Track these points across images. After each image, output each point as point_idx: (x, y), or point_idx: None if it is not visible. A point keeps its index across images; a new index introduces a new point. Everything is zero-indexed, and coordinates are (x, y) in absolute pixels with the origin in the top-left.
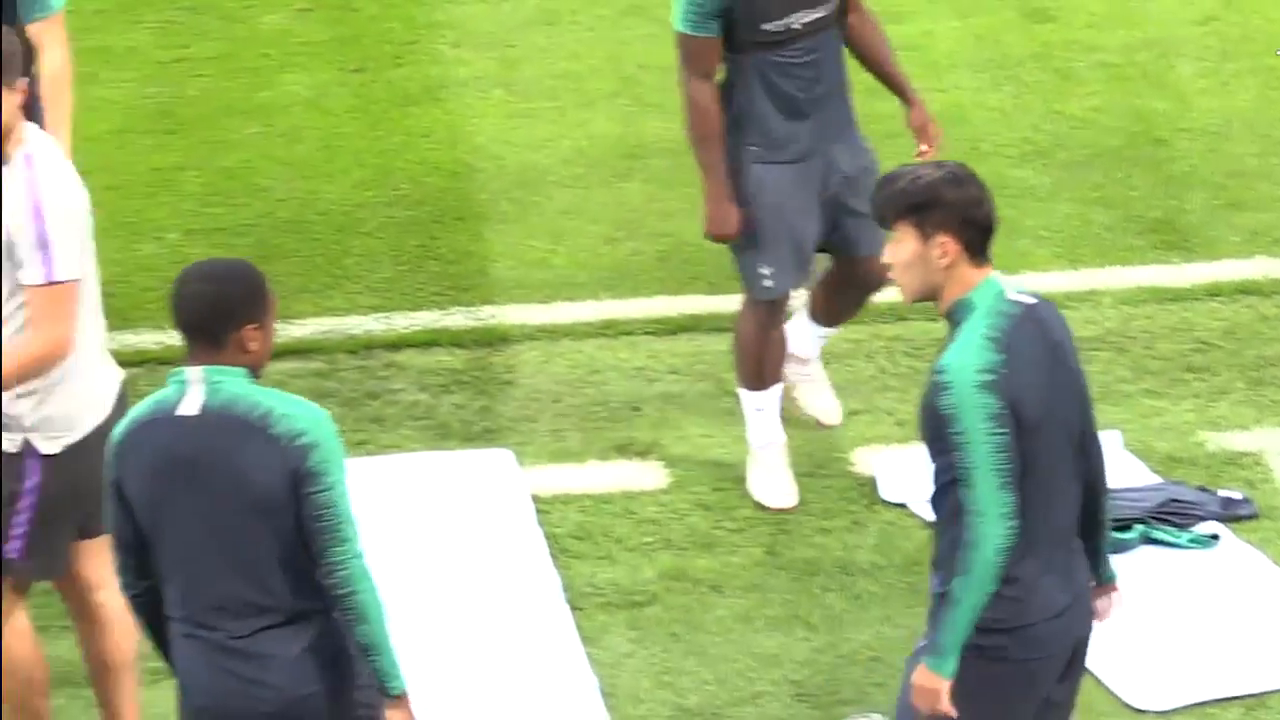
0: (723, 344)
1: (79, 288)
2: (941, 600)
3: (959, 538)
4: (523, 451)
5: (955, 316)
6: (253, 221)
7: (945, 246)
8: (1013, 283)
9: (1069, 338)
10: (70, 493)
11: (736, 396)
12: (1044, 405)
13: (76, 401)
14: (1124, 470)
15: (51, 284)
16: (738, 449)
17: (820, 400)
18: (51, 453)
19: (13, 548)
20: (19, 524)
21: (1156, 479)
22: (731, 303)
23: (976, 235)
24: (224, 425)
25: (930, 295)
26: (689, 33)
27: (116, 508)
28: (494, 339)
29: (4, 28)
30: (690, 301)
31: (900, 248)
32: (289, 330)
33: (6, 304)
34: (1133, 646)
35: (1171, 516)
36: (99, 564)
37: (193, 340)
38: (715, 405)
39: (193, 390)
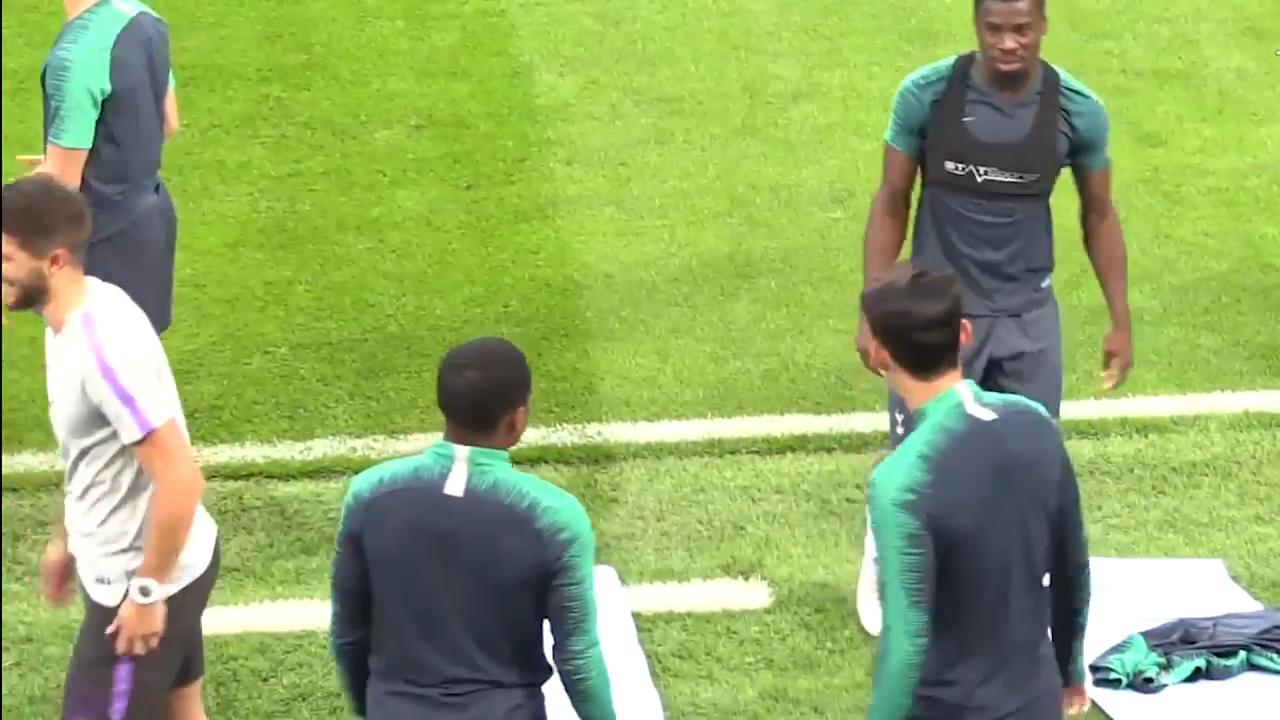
0: (828, 464)
1: (176, 423)
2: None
3: None
4: (626, 569)
5: (914, 425)
6: (362, 336)
7: (882, 356)
8: (982, 394)
9: (1046, 451)
10: (169, 645)
11: (841, 517)
12: (982, 522)
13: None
14: (1227, 597)
15: (150, 433)
16: (841, 569)
17: None
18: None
19: (117, 709)
20: (121, 679)
21: (1259, 606)
22: (836, 423)
23: (911, 352)
24: (489, 510)
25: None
26: (888, 140)
27: (349, 558)
28: (600, 456)
29: (51, 189)
30: (796, 421)
31: (862, 337)
32: (396, 445)
33: (81, 474)
34: None
35: (1275, 644)
36: (198, 709)
37: (461, 422)
38: (819, 525)
39: (458, 469)
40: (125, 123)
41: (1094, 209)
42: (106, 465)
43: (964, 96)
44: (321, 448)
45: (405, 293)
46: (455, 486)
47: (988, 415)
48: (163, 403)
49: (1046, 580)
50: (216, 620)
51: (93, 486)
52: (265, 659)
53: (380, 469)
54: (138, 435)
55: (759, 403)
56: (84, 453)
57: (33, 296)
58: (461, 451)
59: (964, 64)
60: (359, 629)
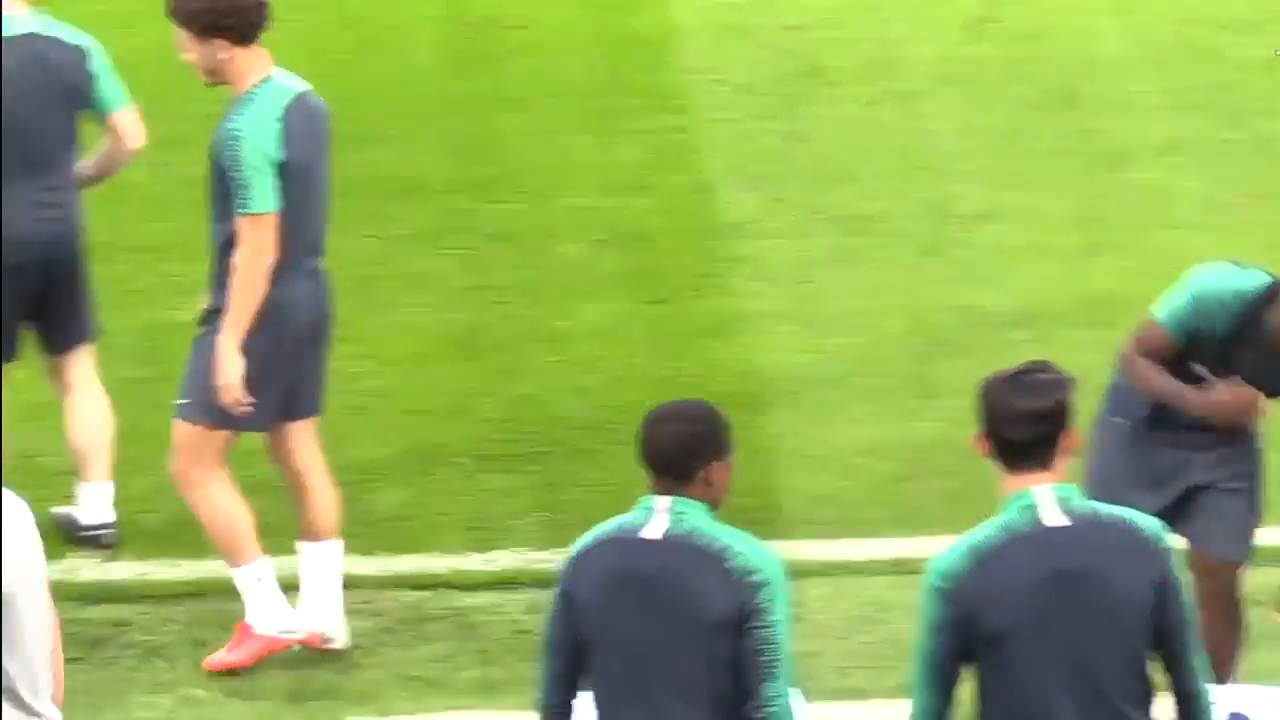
0: None
1: None
2: None
3: None
4: (807, 688)
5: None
6: (546, 449)
7: (978, 442)
8: (1071, 499)
9: (1128, 569)
10: None
11: None
12: (1020, 624)
13: None
14: None
15: None
16: None
17: None
18: None
19: None
20: None
21: None
22: None
23: (1001, 446)
24: (683, 552)
25: None
26: (1161, 320)
27: (561, 613)
28: None
29: None
30: None
31: None
32: None
33: None
34: None
35: None
36: None
37: (661, 475)
38: None
39: (658, 517)
40: (289, 196)
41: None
42: None
43: (1251, 333)
44: (504, 559)
45: (589, 407)
46: (654, 532)
47: (1060, 522)
48: None
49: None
50: None
51: None
52: None
53: (594, 529)
54: None
55: (942, 522)
56: None
57: None
58: (662, 502)
59: (1265, 299)
60: (565, 690)
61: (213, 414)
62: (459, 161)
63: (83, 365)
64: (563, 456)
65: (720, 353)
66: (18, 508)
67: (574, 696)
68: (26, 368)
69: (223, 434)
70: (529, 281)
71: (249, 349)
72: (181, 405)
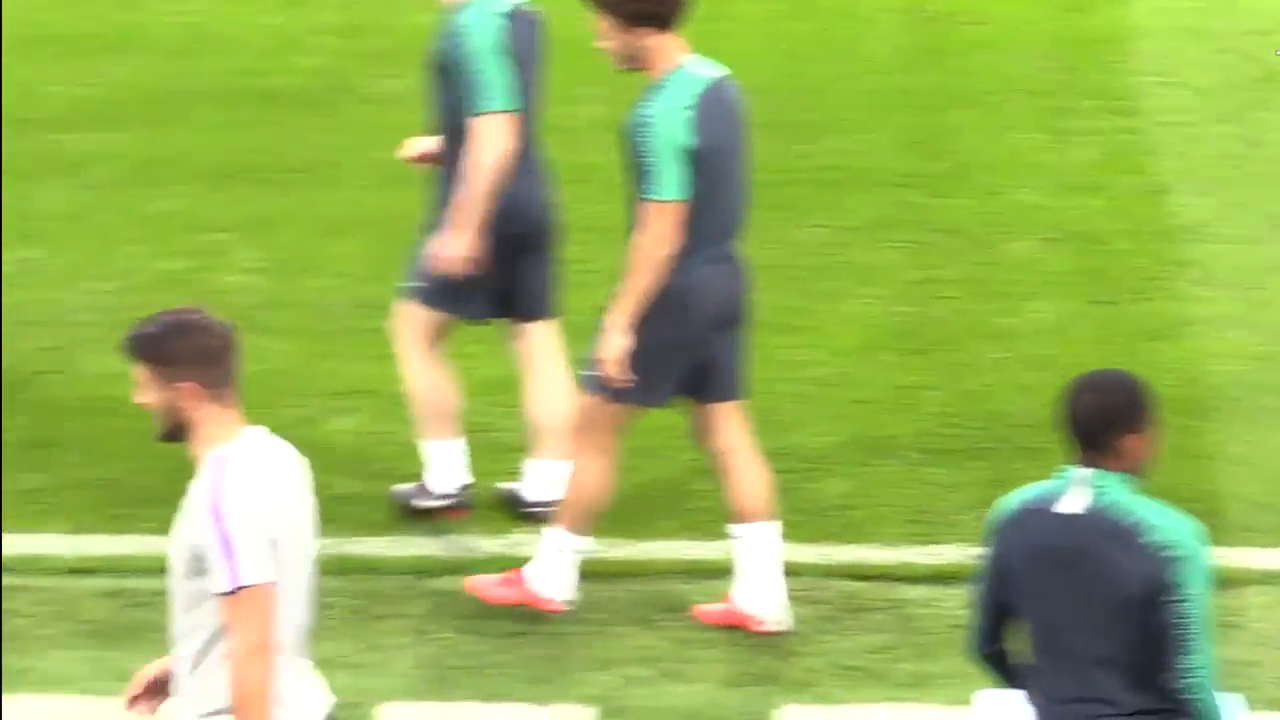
0: None
1: (271, 591)
2: None
3: None
4: (1246, 697)
5: None
6: (991, 446)
7: None
8: None
9: None
10: None
11: None
12: None
13: None
14: None
15: (238, 590)
16: None
17: None
18: None
19: None
20: None
21: None
22: None
23: None
24: (1100, 527)
25: None
26: None
27: (990, 578)
28: (1221, 581)
29: (182, 322)
30: None
31: None
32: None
33: (183, 619)
34: None
35: None
36: None
37: (1080, 445)
38: None
39: (1076, 489)
40: (699, 182)
41: None
42: (207, 614)
43: None
44: (947, 554)
45: (1035, 405)
46: (1073, 505)
47: None
48: (263, 565)
49: None
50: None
51: (191, 635)
52: None
53: (1020, 490)
54: (225, 586)
55: None
56: (189, 598)
57: (173, 430)
58: (1082, 474)
59: None
60: (993, 644)
61: (607, 388)
62: (911, 155)
63: (546, 340)
64: (1008, 454)
65: (1165, 356)
66: (299, 464)
67: (1003, 643)
68: (482, 343)
69: (616, 408)
70: (977, 277)
71: (649, 330)
72: (584, 376)
